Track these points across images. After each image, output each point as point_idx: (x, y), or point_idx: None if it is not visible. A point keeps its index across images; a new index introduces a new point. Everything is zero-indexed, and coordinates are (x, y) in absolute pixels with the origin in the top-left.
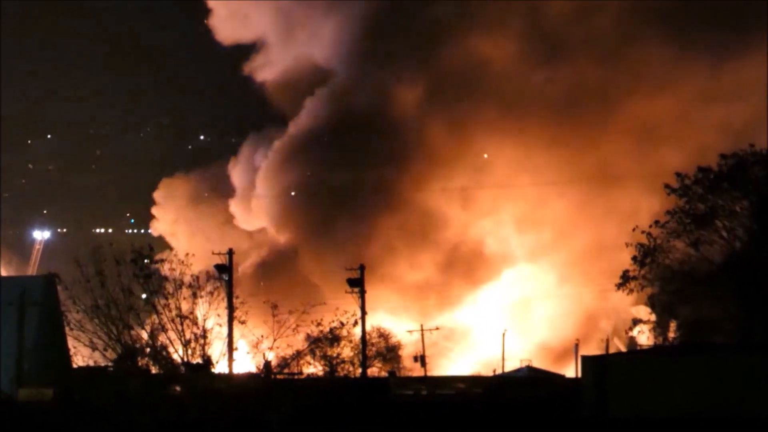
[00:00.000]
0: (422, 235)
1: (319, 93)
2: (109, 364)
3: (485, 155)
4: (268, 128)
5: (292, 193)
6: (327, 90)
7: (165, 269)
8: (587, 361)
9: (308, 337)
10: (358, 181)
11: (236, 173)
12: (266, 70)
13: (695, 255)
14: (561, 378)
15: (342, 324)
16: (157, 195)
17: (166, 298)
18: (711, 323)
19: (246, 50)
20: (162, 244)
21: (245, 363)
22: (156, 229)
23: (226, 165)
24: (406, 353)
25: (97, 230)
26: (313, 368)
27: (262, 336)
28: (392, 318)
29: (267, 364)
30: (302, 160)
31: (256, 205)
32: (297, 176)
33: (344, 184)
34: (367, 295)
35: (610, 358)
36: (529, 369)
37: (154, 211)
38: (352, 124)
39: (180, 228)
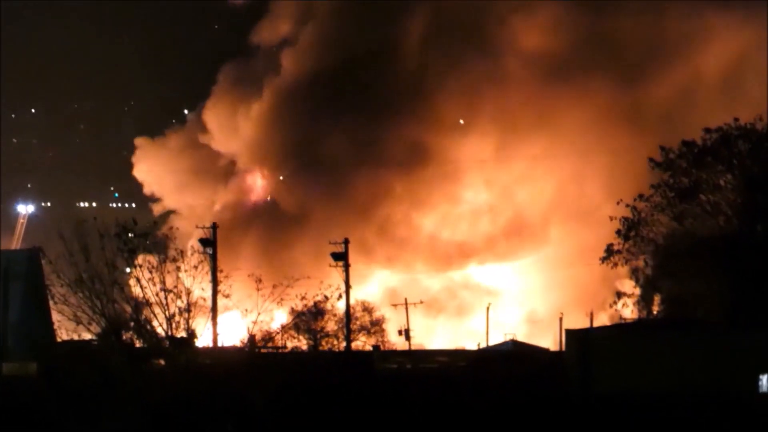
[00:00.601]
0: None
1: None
2: (93, 338)
3: (461, 121)
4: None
5: (281, 178)
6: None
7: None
8: (571, 335)
9: (292, 311)
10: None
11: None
12: (273, 33)
13: (679, 229)
14: (545, 351)
15: (326, 298)
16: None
17: (151, 272)
18: (694, 298)
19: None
20: (148, 215)
21: (229, 337)
22: (156, 205)
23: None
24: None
25: (82, 204)
26: (297, 342)
27: (246, 310)
28: (404, 280)
29: (251, 338)
30: (296, 113)
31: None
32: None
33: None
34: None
35: (593, 333)
36: (514, 343)
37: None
38: (354, 69)
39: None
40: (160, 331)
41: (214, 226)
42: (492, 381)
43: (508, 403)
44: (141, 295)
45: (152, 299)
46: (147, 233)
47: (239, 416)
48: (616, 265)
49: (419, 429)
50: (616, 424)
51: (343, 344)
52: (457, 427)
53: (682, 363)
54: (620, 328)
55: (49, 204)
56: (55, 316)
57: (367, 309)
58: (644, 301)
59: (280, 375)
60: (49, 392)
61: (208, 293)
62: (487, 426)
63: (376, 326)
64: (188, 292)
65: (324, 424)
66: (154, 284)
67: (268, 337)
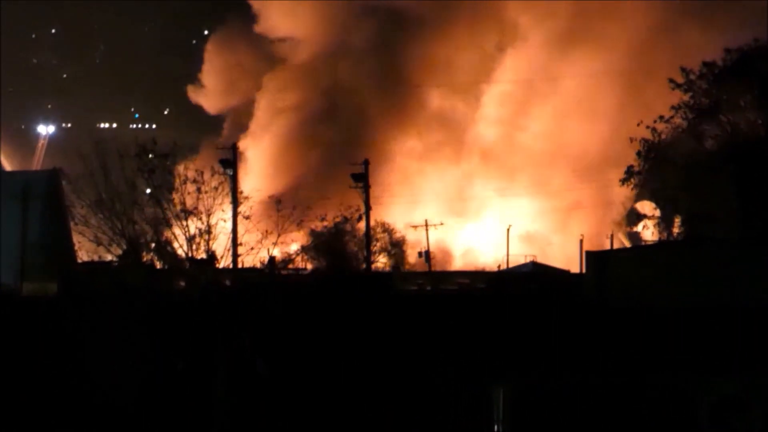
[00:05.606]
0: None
1: None
2: (114, 259)
3: None
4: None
5: None
6: None
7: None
8: (590, 256)
9: (312, 232)
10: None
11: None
12: None
13: (699, 149)
14: (566, 273)
15: (346, 219)
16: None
17: (171, 193)
18: (713, 216)
19: None
20: (168, 135)
21: (250, 259)
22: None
23: None
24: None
25: (102, 125)
26: (318, 264)
27: (266, 231)
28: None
29: (271, 259)
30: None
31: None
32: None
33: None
34: None
35: (611, 253)
36: (534, 264)
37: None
38: None
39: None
40: (180, 252)
41: (234, 147)
42: (510, 300)
43: (525, 320)
44: (161, 216)
45: (172, 220)
46: (167, 154)
47: (257, 329)
48: (636, 186)
49: (436, 348)
50: (632, 334)
51: (364, 266)
52: (476, 346)
53: (701, 281)
54: (640, 249)
55: (69, 125)
56: (76, 238)
57: (387, 230)
58: (665, 223)
59: (299, 293)
60: (68, 309)
61: (229, 215)
62: (504, 343)
63: (396, 248)
64: (208, 213)
65: (341, 342)
66: (175, 205)
67: (288, 258)
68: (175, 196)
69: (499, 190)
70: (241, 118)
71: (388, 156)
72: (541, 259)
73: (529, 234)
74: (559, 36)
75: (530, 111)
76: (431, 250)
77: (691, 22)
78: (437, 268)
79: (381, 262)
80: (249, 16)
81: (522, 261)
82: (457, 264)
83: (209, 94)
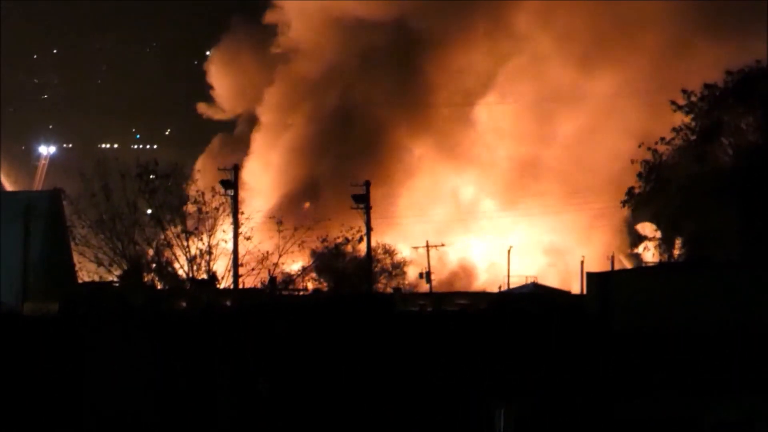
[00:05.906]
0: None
1: None
2: (115, 279)
3: None
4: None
5: None
6: None
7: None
8: (592, 277)
9: (313, 252)
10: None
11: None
12: None
13: (700, 170)
14: (566, 294)
15: (347, 240)
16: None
17: (172, 213)
18: (715, 237)
19: None
20: (170, 156)
21: (251, 280)
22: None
23: None
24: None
25: (103, 145)
26: (319, 285)
27: (267, 252)
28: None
29: (272, 279)
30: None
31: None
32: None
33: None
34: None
35: (613, 274)
36: (535, 285)
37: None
38: None
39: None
40: (181, 273)
41: (235, 168)
42: (511, 320)
43: (525, 340)
44: (162, 236)
45: (173, 241)
46: (168, 174)
47: (257, 350)
48: (636, 208)
49: (437, 367)
50: (636, 357)
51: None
52: (476, 365)
53: (703, 302)
54: (641, 270)
55: (70, 145)
56: (77, 258)
57: (389, 252)
58: (666, 244)
59: (299, 314)
60: (69, 330)
61: (230, 235)
62: (505, 362)
63: (397, 269)
64: (209, 234)
65: (342, 362)
66: (175, 226)
67: (289, 279)
68: (176, 217)
69: (519, 205)
70: (247, 132)
71: (401, 171)
72: (561, 274)
73: (554, 247)
74: (578, 53)
75: (550, 126)
76: (454, 269)
77: (710, 41)
78: (461, 285)
79: (382, 283)
80: (253, 32)
81: (543, 277)
82: (482, 279)
83: (218, 110)
